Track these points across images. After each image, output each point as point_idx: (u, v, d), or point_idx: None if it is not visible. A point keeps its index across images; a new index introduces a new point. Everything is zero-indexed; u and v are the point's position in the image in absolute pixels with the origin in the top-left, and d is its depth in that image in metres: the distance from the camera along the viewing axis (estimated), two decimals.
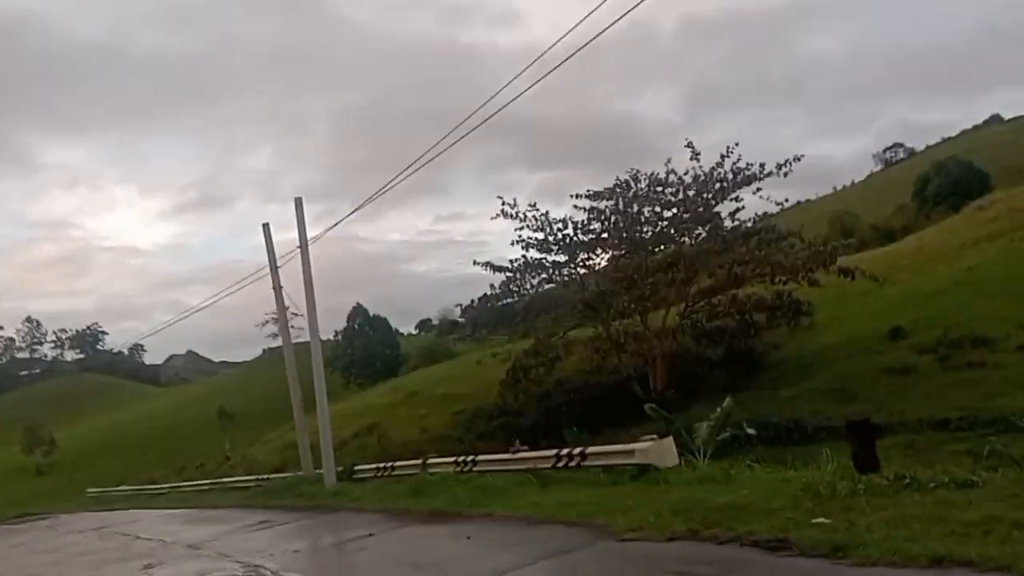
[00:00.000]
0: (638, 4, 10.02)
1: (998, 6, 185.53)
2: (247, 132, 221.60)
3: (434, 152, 16.27)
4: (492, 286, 28.18)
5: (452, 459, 16.30)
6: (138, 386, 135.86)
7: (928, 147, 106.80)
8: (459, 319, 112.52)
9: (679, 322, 27.21)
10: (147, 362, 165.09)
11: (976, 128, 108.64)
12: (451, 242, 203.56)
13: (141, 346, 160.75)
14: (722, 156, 25.46)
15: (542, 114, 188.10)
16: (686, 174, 26.07)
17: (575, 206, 27.33)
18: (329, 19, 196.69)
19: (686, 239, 27.19)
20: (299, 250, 19.92)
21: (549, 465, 13.21)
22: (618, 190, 26.62)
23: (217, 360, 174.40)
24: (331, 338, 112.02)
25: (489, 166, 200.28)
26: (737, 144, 25.47)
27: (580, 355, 28.49)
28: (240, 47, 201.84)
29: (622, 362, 28.11)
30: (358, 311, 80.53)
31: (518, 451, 14.67)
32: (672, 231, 26.79)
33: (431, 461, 16.97)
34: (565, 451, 13.25)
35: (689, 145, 25.64)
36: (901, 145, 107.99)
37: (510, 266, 27.71)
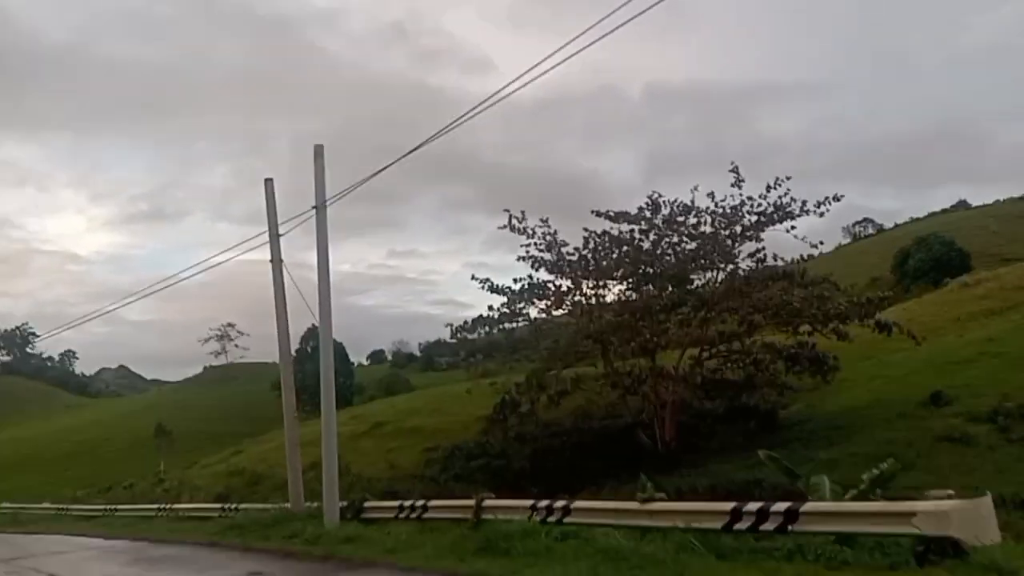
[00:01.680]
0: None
1: (950, 108, 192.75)
2: (205, 149, 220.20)
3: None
4: (491, 307, 25.21)
5: (528, 503, 12.56)
6: (66, 395, 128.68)
7: (896, 225, 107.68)
8: (416, 352, 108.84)
9: (692, 367, 24.58)
10: (77, 371, 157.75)
11: (944, 211, 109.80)
12: (402, 278, 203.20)
13: (73, 353, 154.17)
14: (768, 187, 23.09)
15: (506, 162, 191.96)
16: (723, 200, 23.62)
17: (585, 229, 24.74)
18: (303, 47, 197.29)
19: (706, 275, 24.82)
20: (314, 210, 16.47)
21: (719, 525, 9.39)
22: (646, 213, 24.08)
23: (149, 377, 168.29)
24: (276, 361, 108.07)
25: (448, 207, 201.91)
26: (789, 178, 23.18)
27: (594, 391, 25.67)
28: (209, 64, 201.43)
29: (627, 406, 25.40)
30: (312, 334, 76.39)
31: (651, 499, 10.86)
32: (691, 266, 24.35)
33: (490, 503, 13.11)
34: (755, 506, 9.20)
35: (734, 170, 23.24)
36: (870, 221, 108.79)
37: (513, 287, 24.86)
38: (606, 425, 27.86)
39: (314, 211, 16.49)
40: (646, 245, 24.17)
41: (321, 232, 16.40)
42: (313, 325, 78.96)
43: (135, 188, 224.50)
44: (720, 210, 23.60)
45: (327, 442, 15.99)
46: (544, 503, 12.33)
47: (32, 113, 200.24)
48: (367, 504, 17.01)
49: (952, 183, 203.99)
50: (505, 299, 24.96)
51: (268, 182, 18.78)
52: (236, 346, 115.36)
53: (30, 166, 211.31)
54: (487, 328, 25.72)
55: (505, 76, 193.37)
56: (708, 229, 23.94)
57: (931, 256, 61.79)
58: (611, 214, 24.07)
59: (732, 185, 23.17)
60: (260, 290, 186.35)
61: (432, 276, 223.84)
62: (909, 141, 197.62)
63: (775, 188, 22.93)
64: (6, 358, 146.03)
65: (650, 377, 23.52)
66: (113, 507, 28.13)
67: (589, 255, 24.13)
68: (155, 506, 25.82)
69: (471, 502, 13.34)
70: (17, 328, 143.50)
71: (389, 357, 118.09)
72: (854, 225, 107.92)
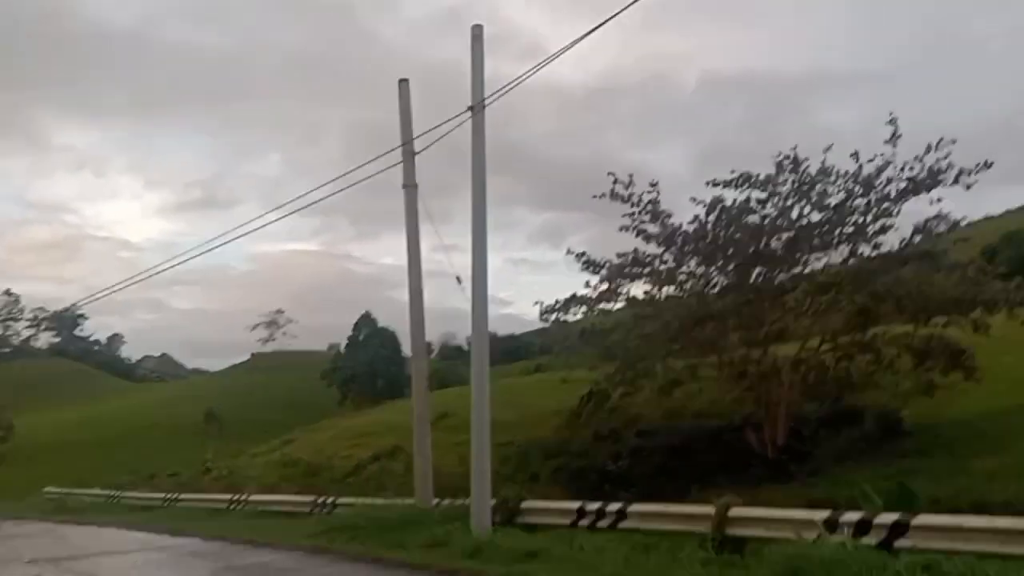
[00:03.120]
0: None
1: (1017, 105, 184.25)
2: (258, 136, 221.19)
3: None
4: (588, 283, 22.43)
5: (818, 515, 9.23)
6: (111, 379, 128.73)
7: (970, 224, 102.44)
8: (464, 345, 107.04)
9: (814, 362, 21.69)
10: (123, 355, 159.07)
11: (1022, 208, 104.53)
12: (443, 273, 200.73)
13: (121, 337, 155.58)
14: (930, 146, 20.10)
15: (552, 156, 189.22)
16: (870, 161, 20.50)
17: (692, 199, 21.84)
18: (357, 33, 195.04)
19: (826, 254, 21.99)
20: (469, 111, 13.37)
21: None
22: (779, 176, 21.05)
23: (191, 366, 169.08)
24: (325, 349, 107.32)
25: (492, 200, 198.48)
26: (954, 141, 20.10)
27: (698, 386, 22.91)
28: (265, 51, 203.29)
29: (739, 404, 22.61)
30: (365, 321, 74.44)
31: None
32: (814, 243, 21.49)
33: (738, 513, 9.98)
34: None
35: (892, 121, 20.17)
36: (942, 217, 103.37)
37: (616, 260, 22.04)
38: (699, 425, 25.12)
39: (469, 112, 13.39)
40: (764, 217, 21.34)
41: (478, 139, 13.26)
42: (366, 312, 76.62)
43: (189, 175, 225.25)
44: (857, 174, 20.63)
45: (478, 420, 12.53)
46: (851, 516, 8.94)
47: (93, 99, 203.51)
48: (524, 505, 13.66)
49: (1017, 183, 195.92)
50: (600, 277, 22.30)
51: (403, 84, 15.68)
52: (284, 334, 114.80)
53: (88, 151, 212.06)
54: (585, 309, 22.94)
55: (560, 63, 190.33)
56: (839, 198, 21.00)
57: (1020, 253, 58.10)
58: (736, 178, 21.12)
59: (886, 142, 20.18)
60: (307, 279, 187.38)
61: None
62: (976, 137, 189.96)
63: (935, 150, 19.96)
64: (55, 339, 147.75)
65: (784, 370, 20.68)
66: (173, 496, 25.17)
67: (710, 226, 21.27)
68: (226, 497, 22.72)
69: (700, 509, 10.42)
70: (67, 309, 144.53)
71: (436, 350, 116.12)
72: (926, 221, 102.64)
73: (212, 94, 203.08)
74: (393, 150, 15.18)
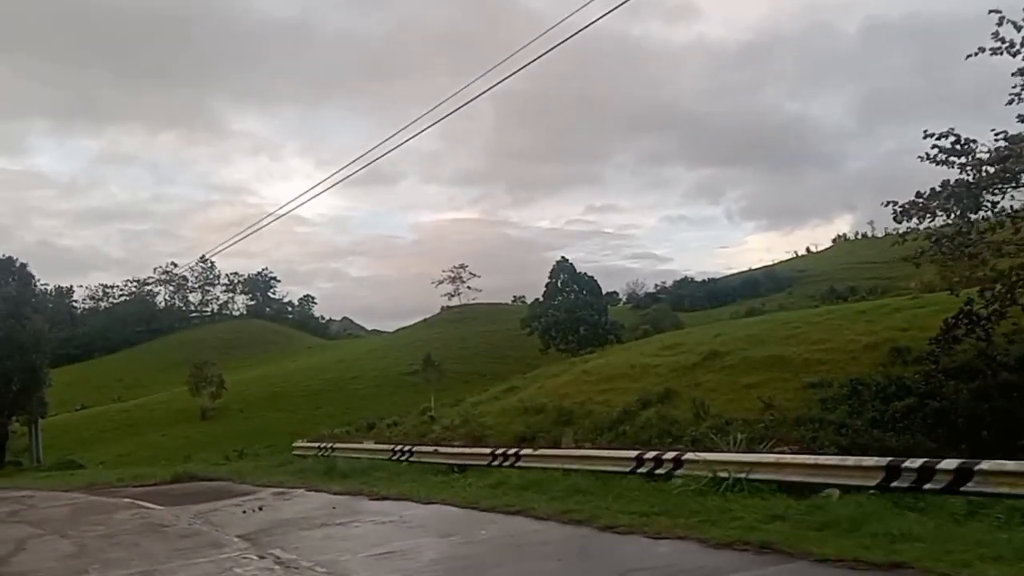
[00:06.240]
0: None
1: None
2: (415, 113, 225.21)
3: None
4: (964, 166, 16.45)
5: None
6: (308, 337, 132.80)
7: None
8: (658, 294, 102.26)
9: None
10: (315, 314, 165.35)
11: None
12: (599, 233, 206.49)
13: (312, 298, 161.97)
14: None
15: (706, 111, 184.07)
16: None
17: None
18: (505, 6, 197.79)
19: None
20: None
21: None
22: None
23: (370, 328, 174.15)
24: (510, 302, 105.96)
25: (646, 160, 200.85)
26: None
27: None
28: (418, 31, 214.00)
29: None
30: (561, 267, 70.03)
31: None
32: None
33: None
34: None
35: None
36: None
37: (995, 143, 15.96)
38: None
39: None
40: None
41: None
42: (563, 257, 72.23)
43: (355, 154, 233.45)
44: None
45: None
46: None
47: (266, 87, 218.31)
48: None
49: None
50: (984, 159, 16.29)
51: None
52: (468, 288, 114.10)
53: (264, 136, 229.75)
54: (952, 204, 16.98)
55: (708, 21, 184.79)
56: None
57: None
58: None
59: None
60: (469, 245, 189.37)
61: (630, 230, 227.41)
62: None
63: None
64: (251, 303, 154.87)
65: None
66: (507, 451, 17.68)
67: None
68: (630, 455, 14.66)
69: None
70: (260, 272, 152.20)
71: (623, 299, 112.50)
72: None
73: (372, 76, 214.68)
74: None
